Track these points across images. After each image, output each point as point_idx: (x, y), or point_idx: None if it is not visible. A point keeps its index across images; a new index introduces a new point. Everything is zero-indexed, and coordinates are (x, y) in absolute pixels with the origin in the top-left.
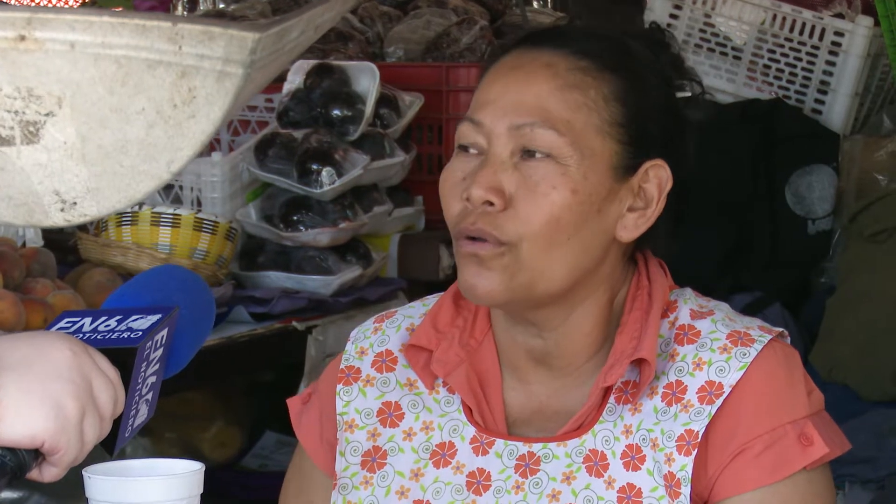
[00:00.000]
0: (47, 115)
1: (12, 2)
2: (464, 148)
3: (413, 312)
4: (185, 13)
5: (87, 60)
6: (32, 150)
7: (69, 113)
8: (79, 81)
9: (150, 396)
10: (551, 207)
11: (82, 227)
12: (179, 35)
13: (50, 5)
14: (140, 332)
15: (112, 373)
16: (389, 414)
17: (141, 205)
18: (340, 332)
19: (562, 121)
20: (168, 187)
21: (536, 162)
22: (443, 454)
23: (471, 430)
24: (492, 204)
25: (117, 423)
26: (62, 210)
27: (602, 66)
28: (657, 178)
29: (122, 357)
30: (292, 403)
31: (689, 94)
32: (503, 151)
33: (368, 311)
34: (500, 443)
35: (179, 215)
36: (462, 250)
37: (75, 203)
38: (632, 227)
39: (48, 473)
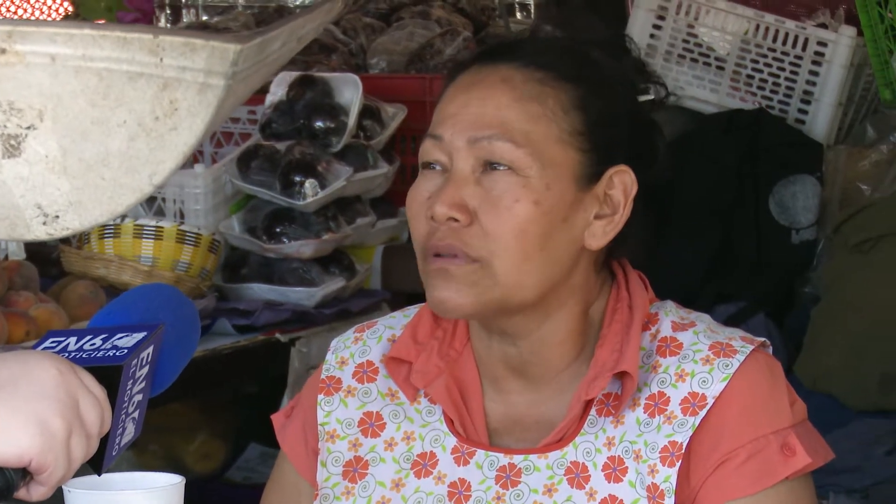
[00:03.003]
0: (28, 128)
1: None
2: (427, 165)
3: (394, 323)
4: (168, 25)
5: (69, 73)
6: (14, 164)
7: (51, 126)
8: (60, 94)
9: (136, 415)
10: (516, 220)
11: (65, 240)
12: (161, 47)
13: (32, 17)
14: (125, 350)
15: (98, 391)
16: (371, 424)
17: (123, 217)
18: (324, 343)
19: (520, 132)
20: (150, 199)
21: (498, 175)
22: (424, 464)
23: (452, 441)
24: (457, 220)
25: (104, 442)
26: (44, 224)
27: (559, 76)
28: (622, 183)
29: (108, 375)
30: (276, 419)
31: (652, 97)
32: (465, 166)
33: (352, 323)
34: (480, 453)
35: (162, 227)
36: (431, 267)
37: (57, 216)
38: (600, 234)
39: (36, 492)
